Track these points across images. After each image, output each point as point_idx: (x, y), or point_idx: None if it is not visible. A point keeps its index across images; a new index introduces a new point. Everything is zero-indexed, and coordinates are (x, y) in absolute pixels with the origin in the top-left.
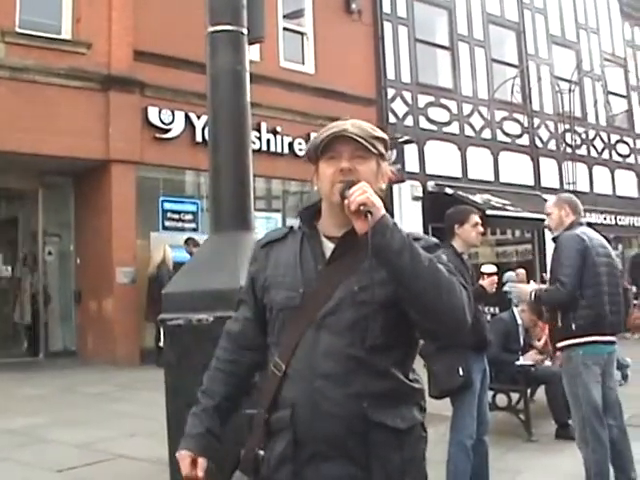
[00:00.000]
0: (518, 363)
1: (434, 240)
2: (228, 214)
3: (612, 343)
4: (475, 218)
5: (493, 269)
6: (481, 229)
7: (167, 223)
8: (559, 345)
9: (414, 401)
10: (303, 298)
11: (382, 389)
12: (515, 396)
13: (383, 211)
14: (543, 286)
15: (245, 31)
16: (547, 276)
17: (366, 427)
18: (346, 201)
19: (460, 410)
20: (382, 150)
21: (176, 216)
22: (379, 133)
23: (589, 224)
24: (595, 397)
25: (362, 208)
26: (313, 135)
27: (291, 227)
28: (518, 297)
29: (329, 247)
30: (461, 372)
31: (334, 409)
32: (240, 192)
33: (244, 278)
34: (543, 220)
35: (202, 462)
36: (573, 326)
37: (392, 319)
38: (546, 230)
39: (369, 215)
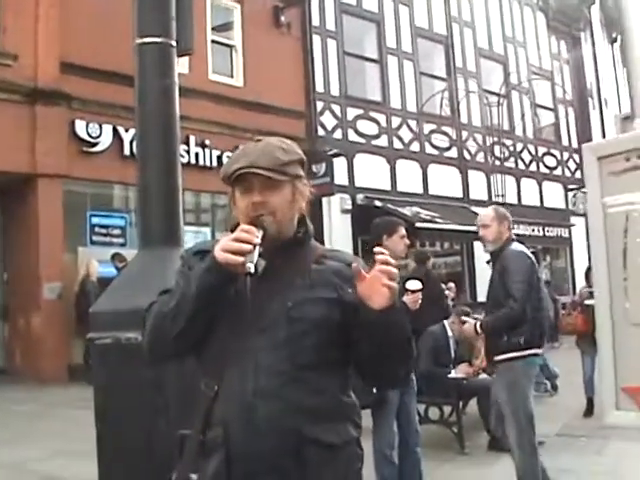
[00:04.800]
0: (450, 376)
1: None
2: (157, 230)
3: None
4: (402, 230)
5: (418, 286)
6: (407, 241)
7: (95, 238)
8: (500, 357)
9: (349, 417)
10: (236, 312)
11: (316, 405)
12: (447, 409)
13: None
14: (479, 316)
15: (174, 43)
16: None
17: (300, 443)
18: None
19: (378, 421)
20: (297, 172)
21: (104, 231)
22: (291, 156)
23: (517, 235)
24: (531, 407)
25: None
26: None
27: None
28: (464, 336)
29: (261, 264)
30: (375, 391)
31: (267, 425)
32: (169, 207)
33: None
34: (472, 232)
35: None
36: (521, 340)
37: (325, 337)
38: (476, 242)
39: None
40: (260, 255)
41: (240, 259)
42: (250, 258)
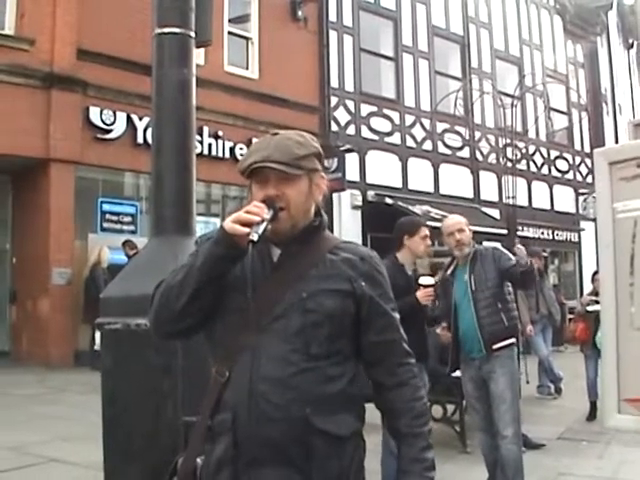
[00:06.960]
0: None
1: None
2: (169, 218)
3: None
4: (425, 231)
5: (430, 281)
6: (429, 242)
7: (105, 224)
8: (501, 344)
9: (355, 409)
10: (251, 301)
11: (325, 395)
12: (451, 407)
13: None
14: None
15: (193, 34)
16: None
17: (307, 433)
18: None
19: None
20: (313, 166)
21: (115, 218)
22: (307, 150)
23: (527, 238)
24: None
25: None
26: (255, 140)
27: None
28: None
29: (276, 252)
30: None
31: (276, 414)
32: (183, 196)
33: None
34: (481, 233)
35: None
36: (518, 324)
37: (337, 329)
38: (485, 242)
39: None
40: (275, 244)
41: (246, 230)
42: (256, 229)
